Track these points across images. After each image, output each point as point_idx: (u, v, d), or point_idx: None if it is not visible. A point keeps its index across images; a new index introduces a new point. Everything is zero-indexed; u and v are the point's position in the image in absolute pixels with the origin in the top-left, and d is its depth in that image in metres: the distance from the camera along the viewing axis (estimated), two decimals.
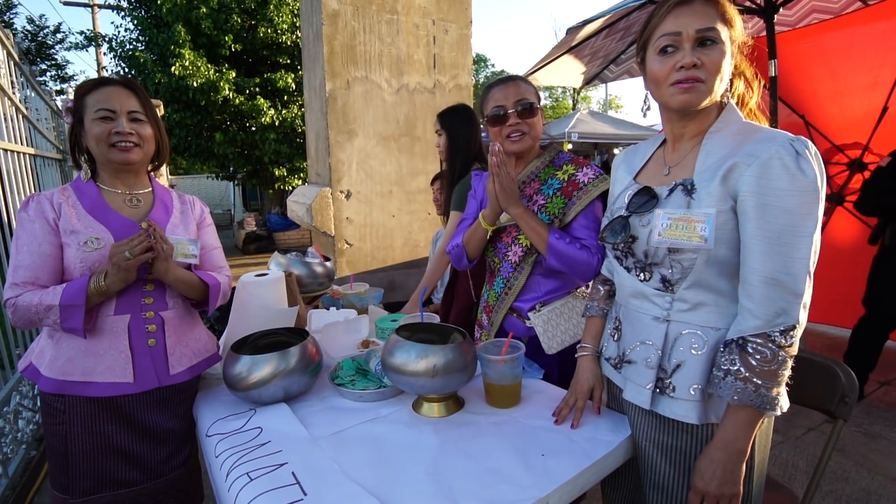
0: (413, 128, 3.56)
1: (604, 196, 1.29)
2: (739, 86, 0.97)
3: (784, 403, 0.89)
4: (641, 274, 0.98)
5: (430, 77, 3.60)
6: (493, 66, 30.52)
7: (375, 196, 3.50)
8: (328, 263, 1.94)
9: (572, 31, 2.85)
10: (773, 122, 2.63)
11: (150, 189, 1.33)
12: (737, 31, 0.91)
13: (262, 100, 8.05)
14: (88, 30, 11.02)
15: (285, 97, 8.44)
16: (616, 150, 12.45)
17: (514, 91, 1.32)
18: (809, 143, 0.84)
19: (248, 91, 8.17)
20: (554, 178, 1.36)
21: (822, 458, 1.27)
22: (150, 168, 1.35)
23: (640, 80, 1.00)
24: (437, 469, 0.91)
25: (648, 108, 1.11)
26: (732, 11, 0.89)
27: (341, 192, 3.39)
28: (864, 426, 2.49)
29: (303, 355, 1.24)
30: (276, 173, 9.06)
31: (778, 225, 0.81)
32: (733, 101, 0.95)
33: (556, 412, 1.09)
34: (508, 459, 0.93)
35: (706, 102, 0.89)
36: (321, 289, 1.94)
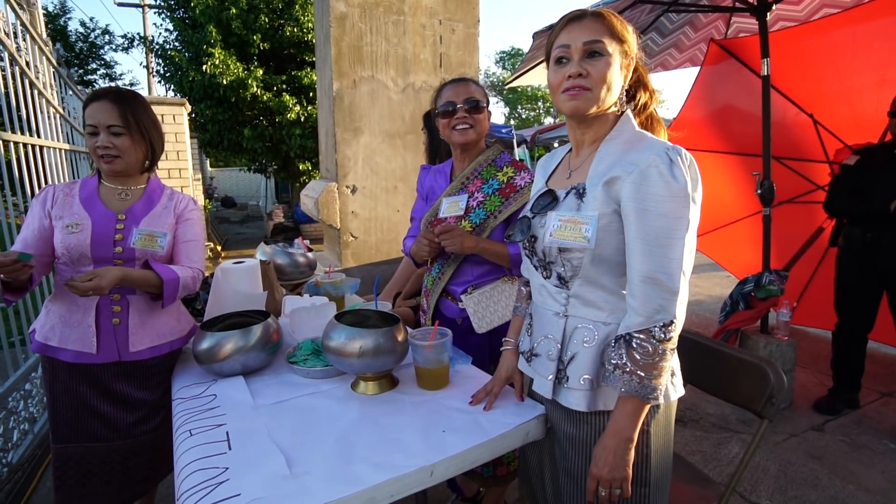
0: (419, 125, 3.62)
1: None
2: (643, 97, 1.04)
3: (670, 393, 0.98)
4: (543, 271, 1.06)
5: (436, 76, 3.68)
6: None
7: (380, 191, 3.62)
8: (310, 254, 2.09)
9: (539, 34, 2.88)
10: (766, 123, 2.58)
11: (143, 186, 1.46)
12: (629, 46, 0.97)
13: (287, 96, 8.35)
14: (132, 32, 11.64)
15: (310, 94, 8.70)
16: None
17: (463, 90, 1.46)
18: (684, 151, 0.90)
19: (275, 88, 8.48)
20: (494, 178, 1.48)
21: (743, 458, 1.31)
22: (144, 168, 1.45)
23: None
24: (346, 436, 1.02)
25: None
26: (622, 28, 0.96)
27: (347, 186, 3.53)
28: (851, 436, 2.44)
29: (262, 334, 1.38)
30: (302, 167, 9.36)
31: (655, 228, 0.88)
32: (628, 111, 1.01)
33: (473, 395, 1.18)
34: (412, 433, 1.03)
35: (593, 109, 0.96)
36: (303, 277, 2.08)
